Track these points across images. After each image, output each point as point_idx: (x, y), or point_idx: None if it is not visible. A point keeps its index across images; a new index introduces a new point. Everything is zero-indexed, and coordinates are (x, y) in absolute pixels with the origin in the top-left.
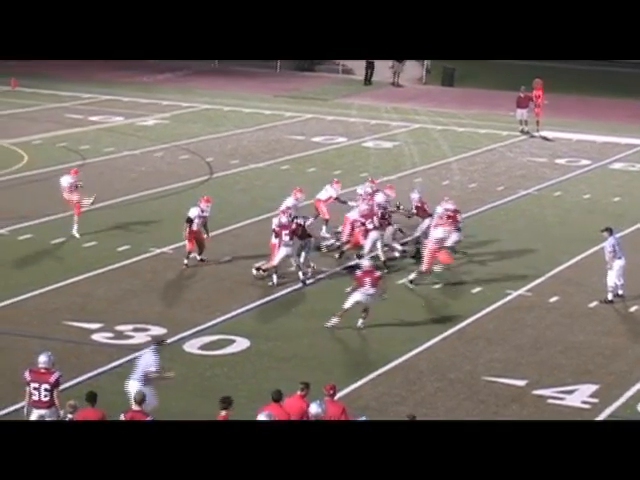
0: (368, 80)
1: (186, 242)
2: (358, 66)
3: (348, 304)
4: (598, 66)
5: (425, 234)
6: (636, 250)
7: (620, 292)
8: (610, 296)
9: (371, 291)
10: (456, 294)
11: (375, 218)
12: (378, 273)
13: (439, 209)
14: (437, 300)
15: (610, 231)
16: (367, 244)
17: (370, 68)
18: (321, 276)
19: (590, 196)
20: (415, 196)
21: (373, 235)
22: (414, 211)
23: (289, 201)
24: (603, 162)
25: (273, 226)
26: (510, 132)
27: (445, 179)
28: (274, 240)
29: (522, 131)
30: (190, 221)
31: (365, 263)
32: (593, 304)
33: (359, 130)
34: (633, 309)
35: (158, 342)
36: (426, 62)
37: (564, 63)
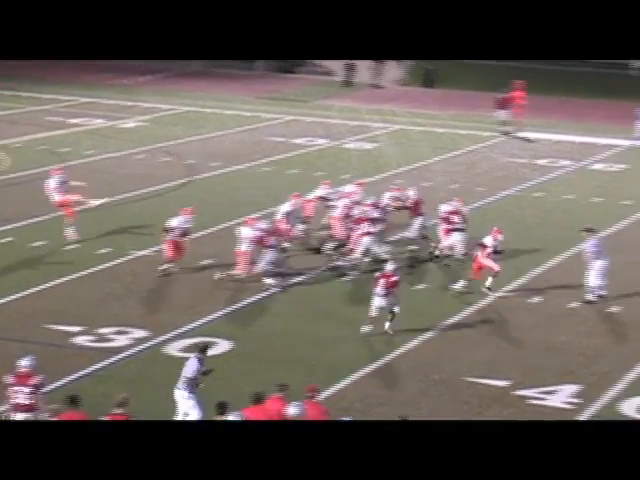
0: (349, 81)
1: (165, 250)
2: (338, 68)
3: (372, 311)
4: (578, 67)
5: (421, 235)
6: (616, 251)
7: (602, 293)
8: (591, 297)
9: (381, 292)
10: (438, 295)
11: (366, 224)
12: (395, 278)
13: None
14: (419, 301)
15: (591, 231)
16: (359, 250)
17: (350, 69)
18: (302, 278)
19: (570, 197)
20: (412, 193)
21: (365, 241)
22: (408, 205)
23: (286, 206)
24: (583, 163)
25: (248, 235)
26: (491, 133)
27: (426, 180)
28: (245, 247)
29: (502, 132)
30: (168, 230)
31: (388, 267)
32: (574, 305)
33: (340, 132)
34: (614, 309)
35: (201, 349)
36: (407, 63)
37: (544, 64)
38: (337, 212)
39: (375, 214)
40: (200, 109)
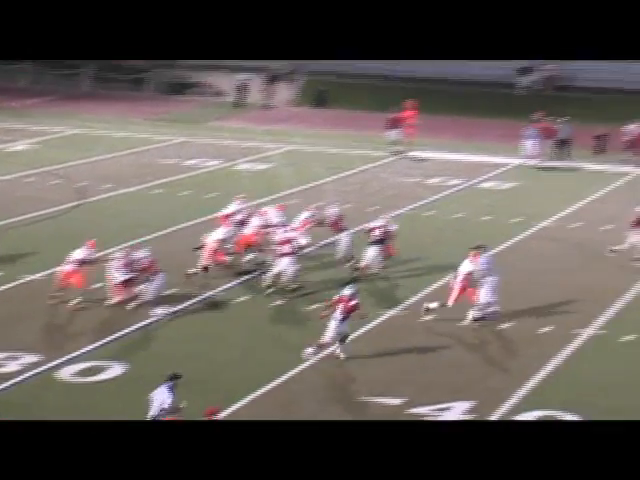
0: (240, 102)
1: (61, 279)
2: (230, 88)
3: (327, 336)
4: (469, 86)
5: (350, 253)
6: (506, 268)
7: (493, 309)
8: (482, 314)
9: (339, 317)
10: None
11: (288, 246)
12: (354, 302)
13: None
14: (313, 321)
15: (482, 249)
16: (275, 270)
17: (242, 90)
18: (193, 301)
19: (461, 215)
20: (333, 211)
21: (284, 262)
22: (328, 223)
23: (220, 232)
24: (474, 181)
25: (114, 268)
26: (382, 153)
27: (320, 200)
28: (121, 276)
29: (394, 152)
30: (82, 263)
31: (346, 292)
32: (466, 322)
33: (232, 153)
34: (505, 326)
35: (171, 377)
36: (298, 83)
37: (434, 84)
38: (248, 231)
39: (304, 241)
40: (89, 131)
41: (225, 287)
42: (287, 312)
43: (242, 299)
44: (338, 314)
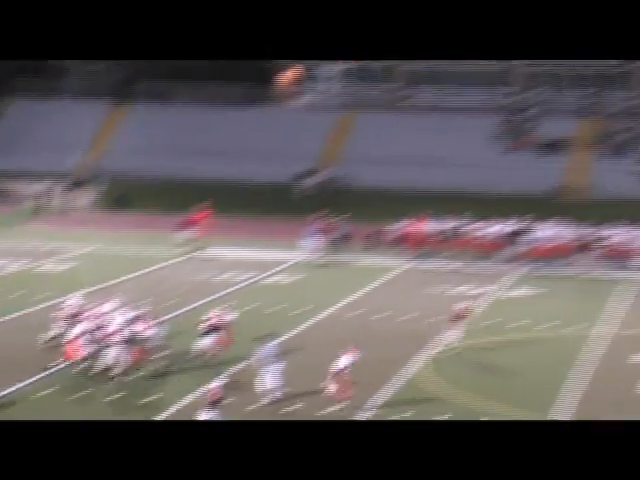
0: (41, 207)
1: None
2: (31, 194)
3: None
4: (256, 188)
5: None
6: (291, 355)
7: (278, 394)
8: (268, 399)
9: (207, 408)
10: (130, 401)
11: (117, 334)
12: (220, 394)
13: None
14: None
15: (269, 337)
16: (108, 359)
17: (43, 196)
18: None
19: (250, 308)
20: (141, 312)
21: (116, 350)
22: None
23: (79, 327)
24: (261, 276)
25: None
26: (178, 251)
27: (122, 297)
28: None
29: (188, 250)
30: None
31: (214, 384)
32: (253, 406)
33: (35, 254)
34: (289, 409)
35: None
36: (99, 188)
37: (229, 186)
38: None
39: (142, 328)
40: None
41: (29, 381)
42: (93, 403)
43: (47, 392)
44: (208, 404)
